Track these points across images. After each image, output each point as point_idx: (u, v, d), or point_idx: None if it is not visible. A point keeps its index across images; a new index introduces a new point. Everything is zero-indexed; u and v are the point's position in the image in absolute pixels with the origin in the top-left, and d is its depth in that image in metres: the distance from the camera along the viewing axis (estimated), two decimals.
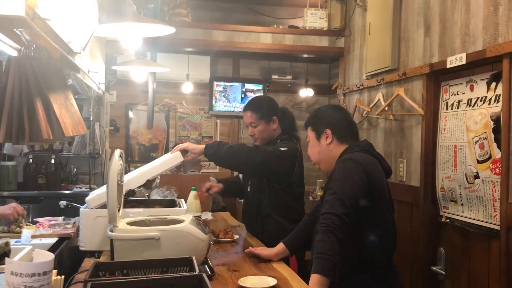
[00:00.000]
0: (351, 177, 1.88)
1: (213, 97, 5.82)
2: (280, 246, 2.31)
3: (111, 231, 1.91)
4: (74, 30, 1.80)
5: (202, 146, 2.60)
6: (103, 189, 2.30)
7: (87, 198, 2.31)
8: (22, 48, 1.93)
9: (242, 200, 3.16)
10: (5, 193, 4.33)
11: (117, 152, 1.99)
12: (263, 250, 2.31)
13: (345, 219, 1.77)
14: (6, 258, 1.15)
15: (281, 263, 2.24)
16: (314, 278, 1.67)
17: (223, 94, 5.86)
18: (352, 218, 1.80)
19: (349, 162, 1.94)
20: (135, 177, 2.46)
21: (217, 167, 6.03)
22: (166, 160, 2.56)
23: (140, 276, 1.58)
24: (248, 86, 5.90)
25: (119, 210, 2.00)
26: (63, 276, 1.37)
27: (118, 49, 3.54)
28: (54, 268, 2.08)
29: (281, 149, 2.62)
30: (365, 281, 1.94)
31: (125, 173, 2.55)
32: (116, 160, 1.94)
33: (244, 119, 2.84)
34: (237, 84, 5.88)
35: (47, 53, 1.98)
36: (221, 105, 5.87)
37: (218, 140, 5.96)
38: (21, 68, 1.86)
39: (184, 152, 2.58)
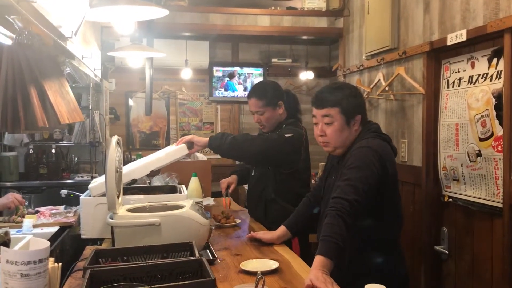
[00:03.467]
0: (366, 165, 1.87)
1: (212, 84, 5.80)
2: (282, 229, 2.30)
3: (111, 218, 1.90)
4: (63, 14, 1.77)
5: (206, 139, 2.58)
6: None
7: (90, 186, 2.30)
8: (15, 36, 1.90)
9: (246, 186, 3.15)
10: (8, 184, 4.34)
11: (114, 139, 1.97)
12: (264, 234, 2.30)
13: (355, 205, 1.76)
14: (1, 247, 1.14)
15: (283, 246, 2.23)
16: (318, 259, 1.68)
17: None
18: (363, 205, 1.79)
19: (365, 150, 1.92)
20: (140, 167, 2.43)
21: None
22: (171, 152, 2.53)
23: (139, 262, 1.57)
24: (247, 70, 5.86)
25: (118, 197, 2.00)
26: (60, 264, 1.36)
27: (115, 36, 3.50)
28: (56, 257, 2.08)
29: (286, 135, 2.59)
30: (373, 263, 1.93)
31: (126, 161, 2.54)
32: (114, 147, 1.93)
33: (250, 107, 2.78)
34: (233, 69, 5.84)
35: (40, 40, 1.95)
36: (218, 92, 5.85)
37: (220, 129, 5.95)
38: (14, 56, 1.84)
39: (189, 144, 2.56)
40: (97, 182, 2.31)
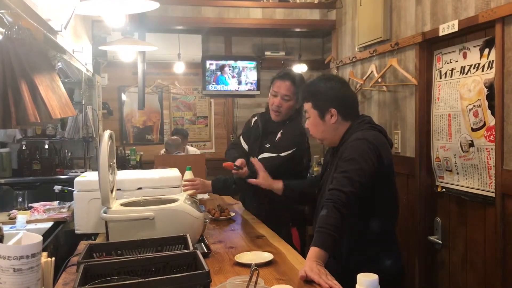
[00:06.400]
0: (362, 157, 1.87)
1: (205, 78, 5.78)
2: (280, 184, 2.35)
3: (105, 213, 1.90)
4: (53, 7, 1.76)
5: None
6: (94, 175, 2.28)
7: (76, 179, 2.28)
8: (4, 30, 1.88)
9: None
10: (1, 180, 4.31)
11: (107, 133, 1.96)
12: (264, 180, 2.38)
13: (351, 197, 1.77)
14: None
15: (278, 239, 2.24)
16: (313, 251, 1.69)
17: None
18: (358, 198, 1.80)
19: (361, 142, 1.91)
20: (130, 180, 2.37)
21: (213, 147, 6.02)
22: (165, 177, 2.47)
23: (133, 256, 1.57)
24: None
25: (112, 191, 1.99)
26: (53, 258, 1.36)
27: (106, 30, 3.48)
28: (50, 252, 2.07)
29: (284, 154, 2.56)
30: (370, 254, 1.94)
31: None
32: (106, 141, 1.92)
33: (280, 88, 2.62)
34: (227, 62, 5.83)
35: (30, 34, 1.93)
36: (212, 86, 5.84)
37: (214, 123, 5.95)
38: (4, 51, 1.81)
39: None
40: (85, 179, 2.31)
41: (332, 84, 2.07)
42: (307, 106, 2.09)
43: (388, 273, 1.72)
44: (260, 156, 2.62)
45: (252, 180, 2.36)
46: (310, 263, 1.64)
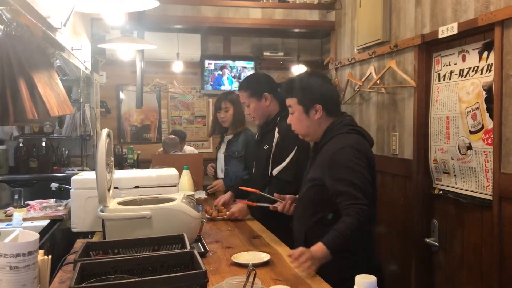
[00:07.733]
0: (358, 165, 1.90)
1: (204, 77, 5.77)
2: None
3: (102, 211, 1.89)
4: (52, 4, 1.75)
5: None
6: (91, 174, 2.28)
7: (73, 177, 2.28)
8: (3, 27, 1.87)
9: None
10: None
11: (105, 131, 1.96)
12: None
13: (371, 210, 1.85)
14: None
15: (275, 239, 2.24)
16: (320, 246, 1.74)
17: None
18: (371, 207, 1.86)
19: (347, 150, 1.93)
20: (127, 178, 2.37)
21: (211, 146, 6.01)
22: (162, 175, 2.47)
23: (130, 255, 1.56)
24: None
25: (109, 190, 1.99)
26: (50, 256, 1.35)
27: (105, 28, 3.47)
28: (47, 250, 2.06)
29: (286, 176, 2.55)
30: (345, 250, 1.95)
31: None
32: (104, 140, 1.91)
33: (240, 100, 2.86)
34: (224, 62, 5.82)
35: (29, 31, 1.93)
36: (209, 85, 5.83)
37: (211, 123, 5.91)
38: (3, 47, 1.81)
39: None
40: (81, 177, 2.31)
41: (317, 80, 2.10)
42: (292, 101, 2.10)
43: (362, 271, 1.74)
44: (275, 173, 2.60)
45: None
46: (308, 252, 1.71)
